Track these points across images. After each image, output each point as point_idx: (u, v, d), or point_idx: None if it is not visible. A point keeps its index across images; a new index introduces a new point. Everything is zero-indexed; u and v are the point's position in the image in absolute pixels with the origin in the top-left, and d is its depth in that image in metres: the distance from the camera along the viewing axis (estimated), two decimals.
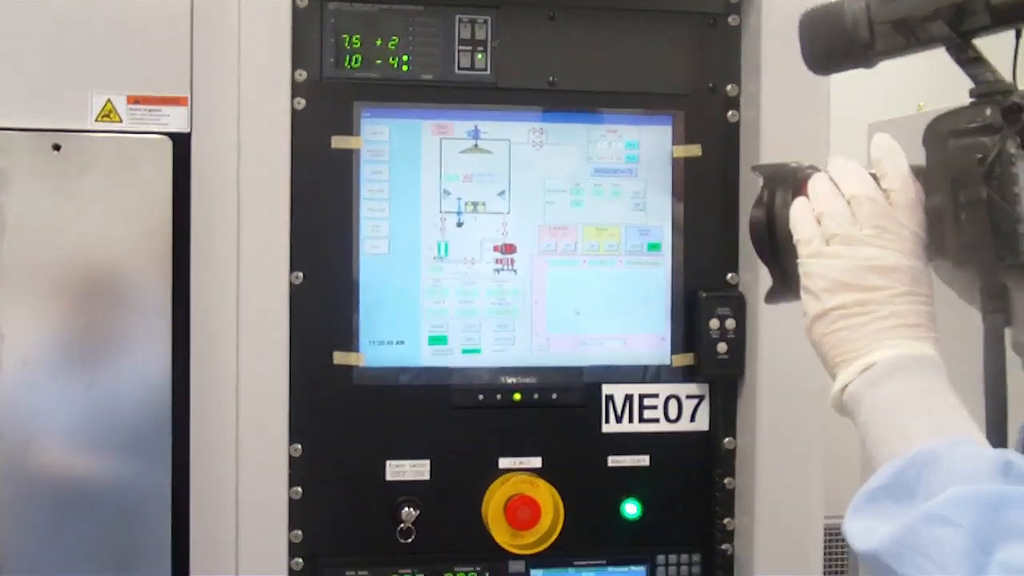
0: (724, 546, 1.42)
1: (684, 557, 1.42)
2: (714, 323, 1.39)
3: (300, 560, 1.33)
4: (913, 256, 0.87)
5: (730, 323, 1.39)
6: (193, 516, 1.28)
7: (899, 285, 0.86)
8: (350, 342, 1.34)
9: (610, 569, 1.40)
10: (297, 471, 1.33)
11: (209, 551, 1.29)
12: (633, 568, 1.41)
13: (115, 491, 1.26)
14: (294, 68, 1.32)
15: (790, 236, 0.91)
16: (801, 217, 0.90)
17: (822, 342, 0.88)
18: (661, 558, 1.41)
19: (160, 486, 1.26)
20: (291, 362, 1.31)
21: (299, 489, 1.33)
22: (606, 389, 1.39)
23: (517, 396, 1.37)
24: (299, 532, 1.33)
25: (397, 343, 1.36)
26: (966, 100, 0.83)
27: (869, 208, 0.87)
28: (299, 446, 1.32)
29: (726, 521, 1.42)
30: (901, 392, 0.84)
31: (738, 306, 1.39)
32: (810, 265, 0.89)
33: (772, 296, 0.96)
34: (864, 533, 0.80)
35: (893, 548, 0.77)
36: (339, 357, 1.34)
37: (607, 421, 1.39)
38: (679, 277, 1.41)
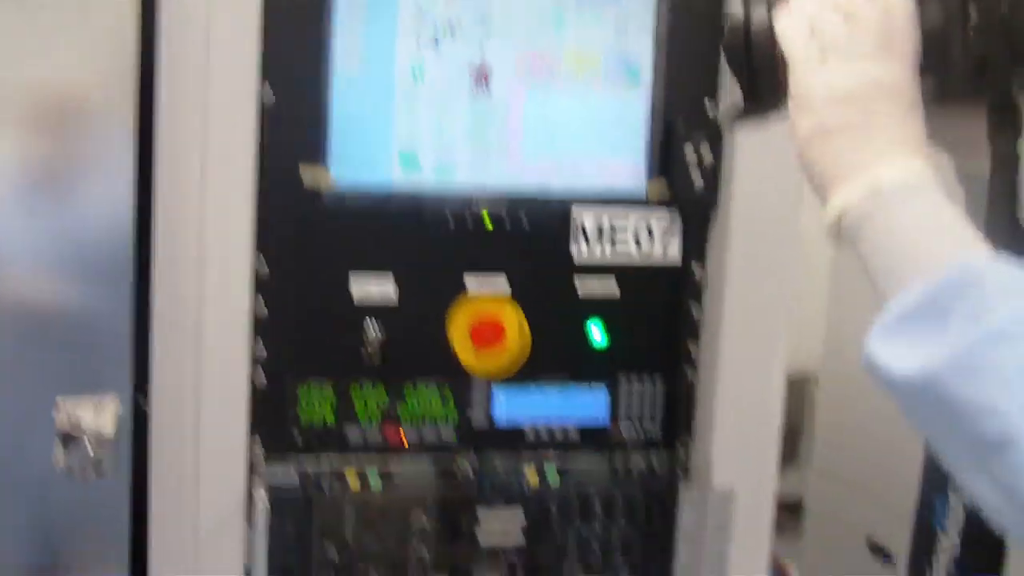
0: (688, 371, 1.43)
1: (647, 381, 1.43)
2: (689, 151, 1.36)
3: (262, 372, 1.33)
4: (914, 75, 0.83)
5: (706, 150, 1.36)
6: (155, 337, 1.27)
7: (903, 102, 0.82)
8: (320, 161, 1.31)
9: (573, 389, 1.41)
10: (262, 287, 1.31)
11: (170, 368, 1.28)
12: (596, 389, 1.42)
13: (78, 317, 1.25)
14: None
15: (770, 51, 0.86)
16: (793, 31, 0.85)
17: (818, 160, 0.83)
18: (624, 381, 1.42)
19: (121, 311, 1.25)
20: (259, 181, 1.28)
21: (264, 306, 1.31)
22: (577, 215, 1.37)
23: (488, 220, 1.35)
24: (262, 345, 1.32)
25: (368, 164, 1.33)
26: None
27: (869, 23, 0.83)
28: (264, 261, 1.31)
29: (691, 349, 1.43)
30: (915, 210, 0.79)
31: (715, 135, 1.36)
32: (808, 80, 0.83)
33: (737, 116, 0.91)
34: (902, 358, 0.75)
35: (947, 372, 0.72)
36: (308, 177, 1.30)
37: (577, 247, 1.38)
38: (657, 105, 1.37)
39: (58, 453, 1.22)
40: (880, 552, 2.49)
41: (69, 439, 1.23)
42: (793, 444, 3.24)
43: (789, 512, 3.05)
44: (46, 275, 1.25)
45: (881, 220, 0.79)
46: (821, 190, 0.83)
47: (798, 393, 3.18)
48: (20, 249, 1.23)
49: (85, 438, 1.22)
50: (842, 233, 0.82)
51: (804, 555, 2.82)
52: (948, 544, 0.89)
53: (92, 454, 1.22)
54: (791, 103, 0.84)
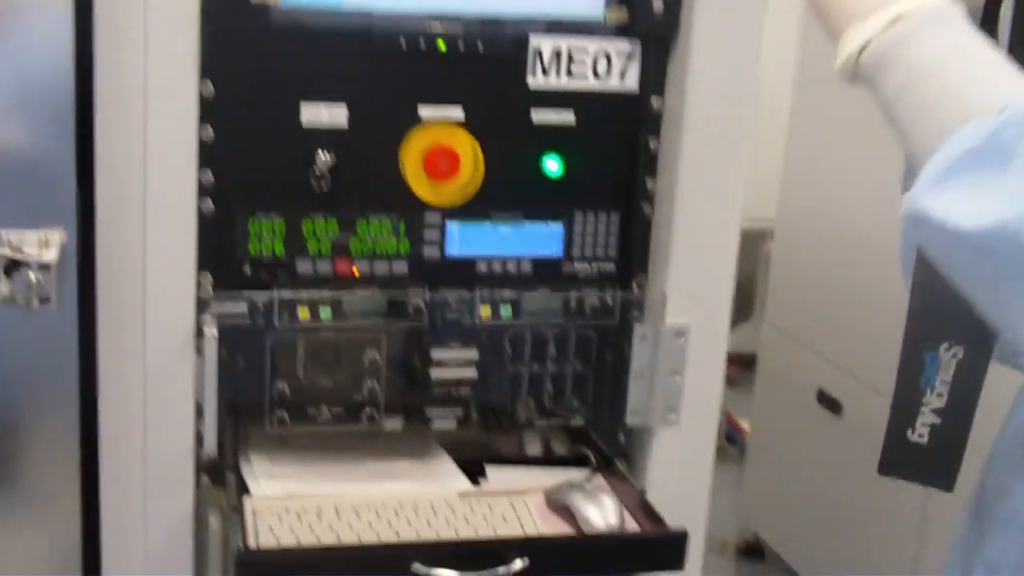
0: (644, 206, 1.41)
1: (603, 216, 1.41)
2: None
3: (210, 201, 1.30)
4: None
5: None
6: (99, 171, 1.24)
7: None
8: None
9: (527, 224, 1.39)
10: (208, 111, 1.27)
11: (115, 200, 1.25)
12: (551, 224, 1.40)
13: (21, 152, 1.21)
14: None
15: None
16: None
17: None
18: (579, 216, 1.40)
19: (66, 146, 1.21)
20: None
21: (210, 129, 1.28)
22: (534, 41, 1.34)
23: (441, 44, 1.31)
24: (209, 173, 1.29)
25: None
26: None
27: None
28: (211, 85, 1.26)
29: (647, 182, 1.41)
30: (951, 42, 0.70)
31: None
32: None
33: None
34: (966, 210, 0.66)
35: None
36: None
37: (533, 75, 1.34)
38: None
39: (1, 281, 1.20)
40: (830, 403, 2.53)
41: (12, 267, 1.20)
42: (749, 299, 3.27)
43: (744, 367, 3.09)
44: None
45: (912, 53, 0.71)
46: (835, 25, 0.74)
47: (753, 247, 3.19)
48: None
49: (29, 266, 1.20)
50: (860, 72, 0.73)
51: (756, 408, 2.87)
52: (935, 402, 0.88)
53: (35, 281, 1.20)
54: None
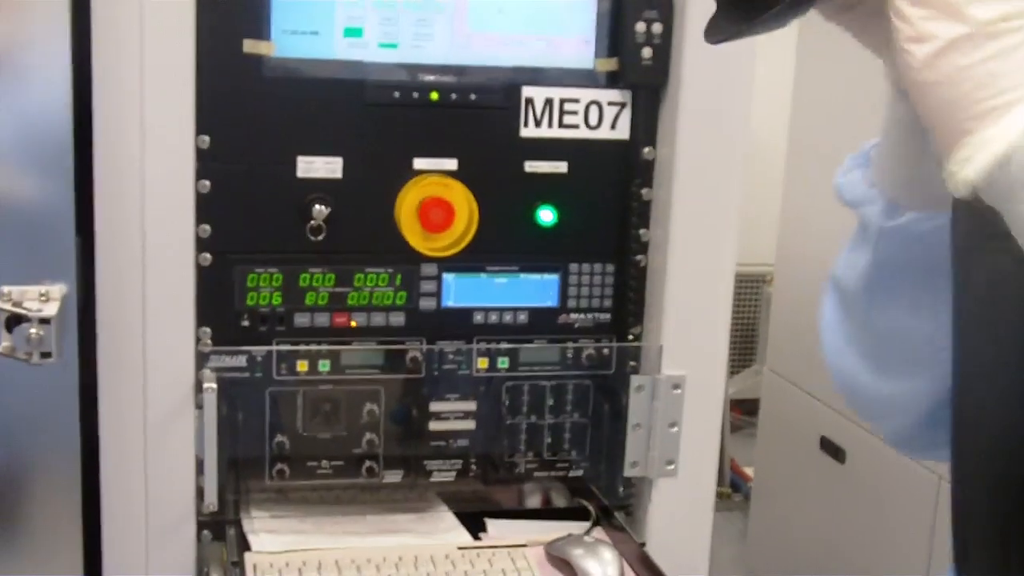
0: (638, 257, 1.42)
1: (598, 267, 1.42)
2: (640, 27, 1.34)
3: (208, 255, 1.31)
4: None
5: (656, 27, 1.34)
6: (98, 225, 1.25)
7: None
8: (261, 30, 1.28)
9: (522, 275, 1.40)
10: (205, 164, 1.28)
11: (115, 246, 1.26)
12: (546, 275, 1.41)
13: (20, 206, 1.22)
14: None
15: None
16: None
17: (958, 79, 0.55)
18: (574, 266, 1.41)
19: (64, 199, 1.22)
20: (199, 52, 1.25)
21: (207, 183, 1.29)
22: (526, 92, 1.35)
23: (434, 95, 1.33)
24: (207, 227, 1.30)
25: (311, 33, 1.30)
26: None
27: None
28: (207, 138, 1.28)
29: (641, 232, 1.42)
30: None
31: (666, 10, 1.34)
32: None
33: (730, 26, 0.66)
34: None
35: None
36: (249, 45, 1.27)
37: (526, 125, 1.36)
38: None
39: (2, 336, 1.20)
40: (833, 449, 2.53)
41: (13, 321, 1.21)
42: (751, 344, 3.27)
43: (748, 413, 3.08)
44: None
45: None
46: (951, 124, 0.57)
47: (754, 291, 3.21)
48: None
49: (30, 321, 1.20)
50: (996, 185, 0.55)
51: (759, 455, 2.86)
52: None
53: (36, 336, 1.20)
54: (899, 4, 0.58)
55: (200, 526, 1.35)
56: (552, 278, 1.41)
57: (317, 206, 1.32)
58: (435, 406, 1.40)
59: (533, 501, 1.52)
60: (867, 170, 0.81)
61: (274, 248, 1.34)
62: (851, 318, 0.85)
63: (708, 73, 1.35)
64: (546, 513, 1.49)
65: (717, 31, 0.68)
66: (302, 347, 1.35)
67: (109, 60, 1.22)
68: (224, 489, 1.33)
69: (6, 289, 1.21)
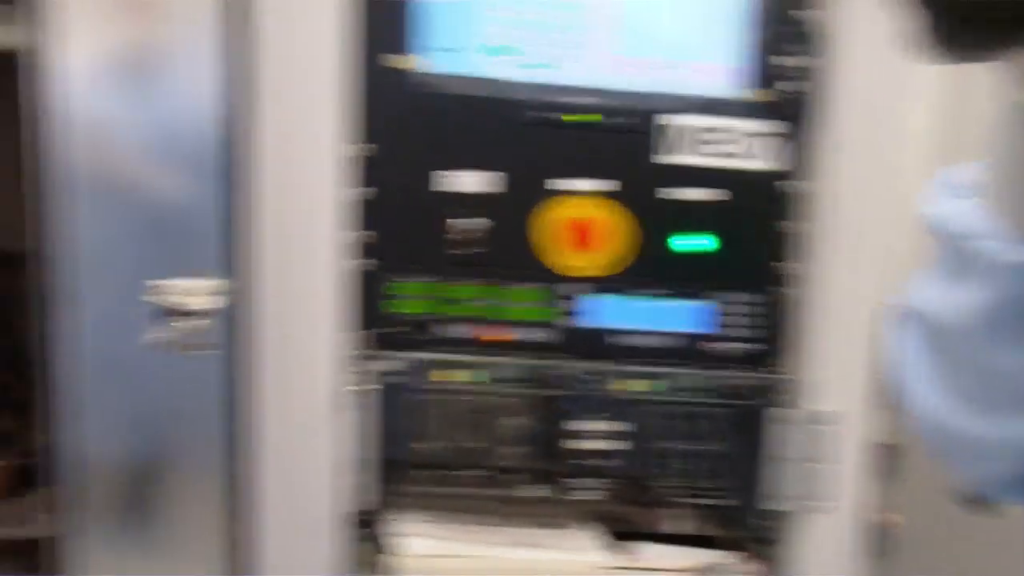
0: (787, 289, 1.42)
1: (746, 296, 1.42)
2: (794, 58, 1.34)
3: (363, 261, 1.35)
4: None
5: (811, 59, 1.34)
6: (258, 226, 1.30)
7: None
8: (405, 46, 1.32)
9: (670, 300, 1.41)
10: (365, 172, 1.33)
11: (274, 247, 1.31)
12: (693, 302, 1.41)
13: (173, 204, 1.28)
14: None
15: None
16: None
17: None
18: (723, 294, 1.42)
19: (222, 204, 1.28)
20: (348, 69, 1.29)
21: (366, 191, 1.33)
22: (677, 118, 1.37)
23: (583, 116, 1.35)
24: (363, 233, 1.34)
25: (455, 51, 1.34)
26: None
27: None
28: (368, 147, 1.33)
29: (791, 264, 1.41)
30: None
31: (821, 41, 1.34)
32: None
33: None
34: None
35: None
36: (393, 61, 1.32)
37: (678, 152, 1.37)
38: (760, 6, 1.36)
39: (155, 329, 1.27)
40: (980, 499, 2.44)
41: (173, 314, 1.27)
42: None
43: (898, 457, 3.00)
44: (143, 162, 1.28)
45: None
46: None
47: None
48: (118, 136, 1.26)
49: (189, 314, 1.27)
50: None
51: (907, 500, 2.78)
52: None
53: (194, 329, 1.27)
54: None
55: (346, 528, 1.39)
56: (699, 305, 1.42)
57: (466, 220, 1.36)
58: (577, 425, 1.42)
59: (670, 526, 1.52)
60: (977, 200, 0.77)
61: (424, 258, 1.38)
62: (947, 357, 0.81)
63: (862, 103, 1.34)
64: (687, 540, 1.50)
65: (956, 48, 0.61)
66: (447, 357, 1.38)
67: (271, 67, 1.27)
68: (371, 492, 1.38)
69: (165, 283, 1.27)
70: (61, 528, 1.33)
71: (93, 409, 1.30)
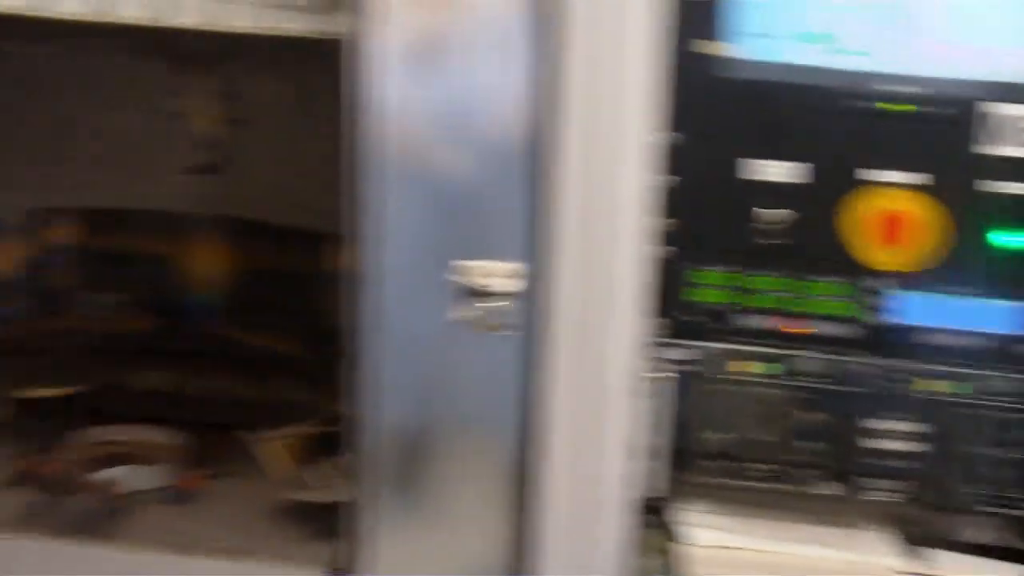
0: None
1: None
2: None
3: (665, 249, 1.35)
4: None
5: None
6: (561, 220, 1.30)
7: None
8: (716, 32, 1.31)
9: (983, 299, 1.34)
10: (670, 160, 1.32)
11: (576, 232, 1.31)
12: (1011, 302, 1.34)
13: (474, 188, 1.31)
14: None
15: None
16: None
17: None
18: None
19: (524, 189, 1.30)
20: (654, 52, 1.28)
21: (672, 179, 1.33)
22: (995, 108, 1.30)
23: (900, 106, 1.30)
24: (666, 221, 1.34)
25: (768, 37, 1.31)
26: None
27: None
28: (676, 135, 1.32)
29: None
30: None
31: None
32: None
33: None
34: None
35: None
36: (703, 47, 1.31)
37: (1000, 143, 1.30)
38: None
39: (459, 308, 1.31)
40: None
41: (478, 294, 1.31)
42: None
43: None
44: (449, 148, 1.31)
45: None
46: None
47: None
48: (425, 122, 1.30)
49: (494, 295, 1.30)
50: None
51: None
52: None
53: (499, 309, 1.30)
54: None
55: (634, 511, 1.39)
56: (1017, 305, 1.34)
57: (771, 210, 1.33)
58: (877, 423, 1.37)
59: (971, 535, 1.45)
60: None
61: (726, 248, 1.36)
62: None
63: None
64: (991, 552, 1.42)
65: None
66: (744, 348, 1.36)
67: (578, 52, 1.27)
68: (661, 480, 1.38)
69: (471, 264, 1.31)
70: (356, 494, 1.40)
71: (391, 383, 1.36)
